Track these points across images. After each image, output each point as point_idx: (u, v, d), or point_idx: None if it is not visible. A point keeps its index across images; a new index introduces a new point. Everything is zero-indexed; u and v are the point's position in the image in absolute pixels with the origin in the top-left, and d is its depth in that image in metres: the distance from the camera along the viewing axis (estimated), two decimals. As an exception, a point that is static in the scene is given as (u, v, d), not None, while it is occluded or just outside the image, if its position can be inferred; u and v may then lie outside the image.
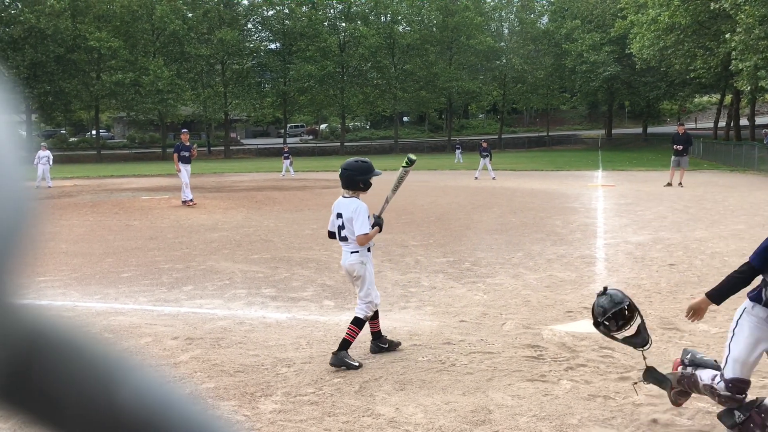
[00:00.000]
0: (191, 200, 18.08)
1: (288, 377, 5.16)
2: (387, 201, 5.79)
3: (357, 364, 5.37)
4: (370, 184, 5.63)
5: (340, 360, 5.36)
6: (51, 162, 26.24)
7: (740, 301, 7.40)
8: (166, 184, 27.22)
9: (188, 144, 18.60)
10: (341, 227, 5.53)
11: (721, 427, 4.16)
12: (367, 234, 5.42)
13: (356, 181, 5.55)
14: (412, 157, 5.81)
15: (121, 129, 77.17)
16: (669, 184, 22.06)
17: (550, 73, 64.08)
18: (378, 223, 5.61)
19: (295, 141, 70.44)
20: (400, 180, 5.81)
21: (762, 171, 27.65)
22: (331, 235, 5.74)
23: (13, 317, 0.43)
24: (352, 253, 5.51)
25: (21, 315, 0.44)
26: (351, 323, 5.57)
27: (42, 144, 27.72)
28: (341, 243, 5.60)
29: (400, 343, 5.84)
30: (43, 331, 0.45)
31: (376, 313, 5.70)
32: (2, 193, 0.41)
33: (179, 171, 18.26)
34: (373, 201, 5.78)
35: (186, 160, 18.21)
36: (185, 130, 19.29)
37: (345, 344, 5.42)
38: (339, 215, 5.55)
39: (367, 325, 5.66)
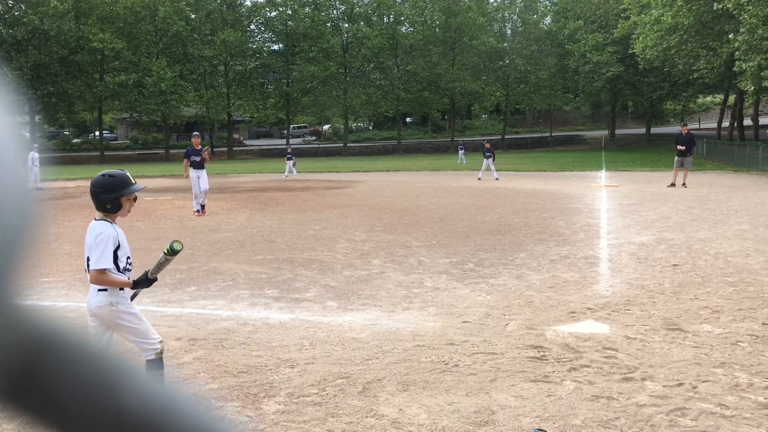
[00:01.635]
0: (197, 211, 16.35)
1: (291, 378, 5.16)
2: (158, 267, 4.52)
3: None
4: (120, 205, 4.36)
5: None
6: (37, 163, 25.22)
7: (744, 302, 7.39)
8: (170, 185, 27.23)
9: (199, 148, 16.69)
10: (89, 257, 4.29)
11: (724, 429, 4.15)
12: (105, 272, 4.16)
13: (101, 200, 4.32)
14: (177, 247, 4.39)
15: (124, 130, 77.29)
16: (672, 185, 22.03)
17: (553, 74, 64.03)
18: (141, 280, 4.40)
19: (298, 142, 70.47)
20: (160, 266, 4.52)
21: (766, 171, 27.57)
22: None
23: (16, 318, 0.43)
24: (99, 291, 4.28)
25: (25, 316, 0.44)
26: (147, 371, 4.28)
27: (34, 145, 27.14)
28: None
29: None
30: (46, 332, 0.46)
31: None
32: (3, 193, 0.41)
33: (186, 177, 16.72)
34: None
35: (198, 165, 16.38)
36: (196, 133, 17.79)
37: None
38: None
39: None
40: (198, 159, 16.48)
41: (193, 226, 14.35)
